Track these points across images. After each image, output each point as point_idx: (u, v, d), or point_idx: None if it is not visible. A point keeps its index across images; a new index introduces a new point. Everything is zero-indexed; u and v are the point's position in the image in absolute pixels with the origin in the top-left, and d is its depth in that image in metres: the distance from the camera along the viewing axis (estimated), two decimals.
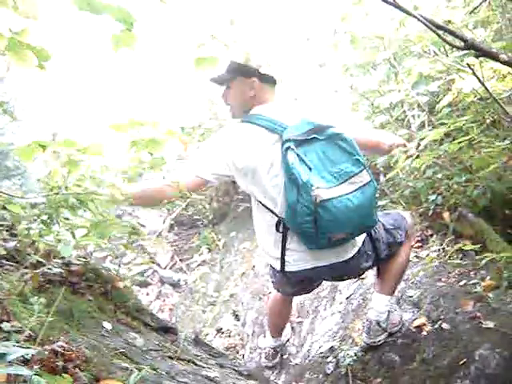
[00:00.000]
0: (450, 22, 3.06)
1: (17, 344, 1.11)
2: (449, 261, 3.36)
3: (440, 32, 1.65)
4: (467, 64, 2.44)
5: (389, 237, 2.70)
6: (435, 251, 3.57)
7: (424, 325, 2.85)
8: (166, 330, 2.39)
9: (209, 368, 2.10)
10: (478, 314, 2.69)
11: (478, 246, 3.26)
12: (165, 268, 5.50)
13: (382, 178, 4.36)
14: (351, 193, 2.23)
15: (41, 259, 2.00)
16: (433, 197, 3.70)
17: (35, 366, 1.06)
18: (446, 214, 3.67)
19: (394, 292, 2.94)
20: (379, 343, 2.90)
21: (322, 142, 2.27)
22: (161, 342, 2.21)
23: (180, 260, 5.57)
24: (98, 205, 2.27)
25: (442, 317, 2.83)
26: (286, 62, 5.23)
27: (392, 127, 4.12)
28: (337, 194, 2.19)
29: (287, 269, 2.51)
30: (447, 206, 3.67)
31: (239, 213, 5.42)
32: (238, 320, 3.98)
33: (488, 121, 3.38)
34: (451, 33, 1.65)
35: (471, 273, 3.12)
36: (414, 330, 2.87)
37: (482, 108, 3.33)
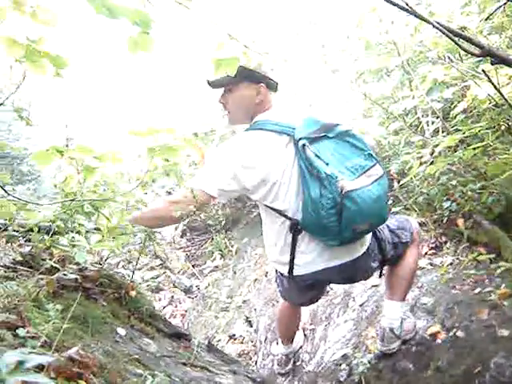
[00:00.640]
0: (465, 28, 3.05)
1: (33, 351, 1.11)
2: (463, 268, 3.33)
3: (456, 38, 1.64)
4: (482, 70, 2.43)
5: (394, 237, 2.72)
6: (449, 258, 3.55)
7: (438, 332, 2.83)
8: (180, 336, 2.39)
9: (222, 375, 2.10)
10: (493, 323, 2.67)
11: (493, 253, 3.25)
12: (177, 273, 5.51)
13: (395, 185, 4.34)
14: (371, 184, 2.24)
15: (55, 265, 2.00)
16: (447, 204, 3.68)
17: (52, 373, 1.06)
18: (460, 221, 3.65)
19: (405, 298, 2.92)
20: (393, 350, 2.89)
21: (332, 139, 2.29)
22: (174, 348, 2.21)
23: (192, 266, 5.58)
24: (112, 211, 2.28)
25: (456, 325, 2.80)
26: (299, 68, 5.23)
27: (406, 133, 4.11)
28: (359, 186, 2.20)
29: (296, 273, 2.50)
30: (461, 213, 3.65)
31: (252, 218, 5.42)
32: (251, 326, 3.97)
33: (503, 127, 3.36)
34: (468, 39, 1.64)
35: (486, 280, 3.09)
36: (428, 337, 2.84)
37: (496, 114, 3.31)
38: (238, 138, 2.48)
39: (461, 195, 3.60)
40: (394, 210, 4.22)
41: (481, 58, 2.75)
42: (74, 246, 2.08)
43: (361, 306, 3.46)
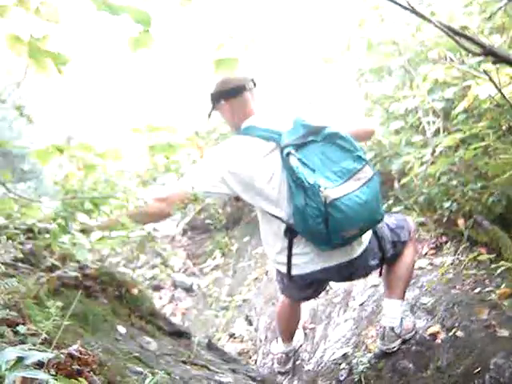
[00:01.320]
0: (466, 28, 3.05)
1: (33, 347, 1.12)
2: (463, 268, 3.33)
3: (457, 38, 1.65)
4: (484, 70, 2.43)
5: (393, 236, 2.72)
6: (450, 258, 3.55)
7: (438, 332, 2.83)
8: (180, 334, 2.40)
9: (222, 373, 2.10)
10: (493, 323, 2.67)
11: (493, 253, 3.25)
12: (178, 272, 5.51)
13: (396, 185, 4.34)
14: (358, 189, 2.23)
15: (56, 262, 2.01)
16: (447, 204, 3.68)
17: (51, 370, 1.06)
18: (460, 221, 3.64)
19: (404, 296, 2.93)
20: (394, 349, 2.89)
21: (320, 143, 2.29)
22: (174, 346, 2.22)
23: (193, 264, 5.58)
24: (112, 209, 2.29)
25: (456, 324, 2.80)
26: (301, 66, 5.24)
27: (407, 133, 4.10)
28: (345, 192, 2.20)
29: (294, 272, 2.51)
30: (462, 213, 3.64)
31: (252, 218, 5.42)
32: (251, 325, 3.98)
33: (504, 127, 3.36)
34: (469, 39, 1.65)
35: (486, 280, 3.09)
36: (428, 337, 2.84)
37: (498, 114, 3.31)
38: (226, 142, 2.53)
39: (461, 195, 3.59)
40: (394, 209, 4.22)
41: (482, 58, 2.75)
42: (74, 244, 2.09)
43: (361, 305, 3.46)
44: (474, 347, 2.57)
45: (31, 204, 2.15)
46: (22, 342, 1.33)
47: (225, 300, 4.56)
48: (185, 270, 5.56)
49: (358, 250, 2.51)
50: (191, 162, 2.46)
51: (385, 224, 2.66)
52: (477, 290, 3.04)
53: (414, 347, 2.84)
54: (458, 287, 3.15)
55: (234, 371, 2.28)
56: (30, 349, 1.06)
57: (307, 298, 3.02)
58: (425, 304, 3.11)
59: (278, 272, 2.73)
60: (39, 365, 1.06)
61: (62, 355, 1.16)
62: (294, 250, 2.46)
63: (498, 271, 3.01)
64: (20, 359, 0.89)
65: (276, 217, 2.42)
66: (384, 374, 2.82)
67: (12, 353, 0.90)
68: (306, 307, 3.67)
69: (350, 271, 2.62)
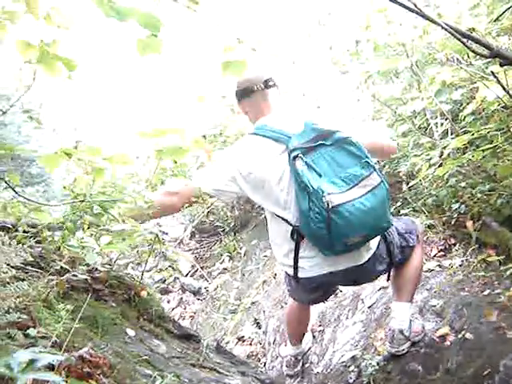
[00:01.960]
0: (473, 29, 3.05)
1: (44, 350, 1.12)
2: (472, 270, 3.32)
3: (464, 40, 1.64)
4: (491, 72, 2.42)
5: (402, 240, 2.72)
6: (458, 260, 3.54)
7: (447, 334, 2.83)
8: (189, 337, 2.40)
9: (231, 376, 2.11)
10: (502, 324, 2.66)
11: (502, 255, 3.24)
12: (186, 275, 5.52)
13: (404, 187, 4.33)
14: (363, 196, 2.23)
15: (65, 266, 2.02)
16: (456, 205, 3.67)
17: (62, 373, 1.07)
18: (469, 223, 3.63)
19: (412, 299, 2.93)
20: (403, 352, 2.88)
21: (329, 147, 2.29)
22: (183, 349, 2.22)
23: (201, 267, 5.58)
24: (122, 213, 2.29)
25: (465, 327, 2.80)
26: (309, 69, 5.24)
27: (415, 135, 4.10)
28: (349, 199, 2.20)
29: (301, 275, 2.52)
30: (470, 215, 3.64)
31: (261, 220, 5.42)
32: (260, 328, 3.98)
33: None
34: (476, 41, 1.64)
35: (495, 282, 3.09)
36: (437, 339, 2.84)
37: (506, 116, 3.30)
38: (239, 142, 2.59)
39: (470, 197, 3.59)
40: (402, 211, 4.21)
41: (489, 60, 2.75)
42: (83, 247, 2.10)
43: (370, 307, 3.46)
44: (483, 349, 2.57)
45: (40, 208, 2.16)
46: (33, 345, 1.34)
47: (233, 303, 4.56)
48: (193, 273, 5.58)
49: (365, 255, 2.51)
50: (199, 166, 2.48)
51: (394, 228, 2.65)
52: (486, 292, 3.03)
53: (423, 349, 2.84)
54: (467, 289, 3.14)
55: (243, 374, 2.28)
56: (41, 351, 1.07)
57: (315, 301, 3.02)
58: (434, 306, 3.11)
59: (286, 274, 2.74)
60: (50, 367, 1.07)
61: (72, 358, 1.17)
62: (301, 253, 2.46)
63: (507, 273, 3.01)
64: (32, 361, 0.89)
65: (284, 219, 2.43)
66: (393, 376, 2.81)
67: (24, 355, 0.91)
68: (315, 310, 3.67)
69: (356, 276, 2.63)
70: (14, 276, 1.71)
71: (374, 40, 3.84)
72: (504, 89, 2.47)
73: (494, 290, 3.01)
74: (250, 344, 3.86)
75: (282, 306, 3.92)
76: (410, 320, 2.89)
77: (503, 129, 3.30)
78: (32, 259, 2.04)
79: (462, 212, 3.68)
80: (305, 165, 2.23)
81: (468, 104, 3.24)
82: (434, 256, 3.79)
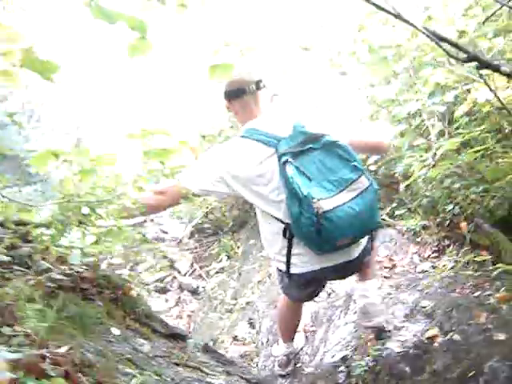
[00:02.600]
0: (463, 32, 3.05)
1: (11, 348, 1.15)
2: (464, 271, 3.33)
3: (445, 44, 1.65)
4: (479, 74, 2.44)
5: None
6: (451, 262, 3.55)
7: (436, 336, 2.84)
8: (176, 336, 2.42)
9: (214, 375, 2.13)
10: (490, 326, 2.67)
11: (494, 257, 3.24)
12: (184, 275, 5.55)
13: (401, 187, 4.34)
14: (352, 200, 2.27)
15: (50, 265, 2.04)
16: (450, 207, 3.68)
17: (21, 371, 1.09)
18: (463, 224, 3.64)
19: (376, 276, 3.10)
20: (381, 322, 3.00)
21: (318, 151, 2.32)
22: (169, 348, 2.24)
23: (199, 267, 5.61)
24: (110, 213, 2.32)
25: (454, 328, 2.81)
26: (306, 70, 5.25)
27: (410, 136, 4.10)
28: (338, 203, 2.24)
29: (294, 271, 2.57)
30: (464, 216, 3.64)
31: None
32: (254, 328, 3.99)
33: (507, 130, 3.35)
34: (454, 45, 1.65)
35: (486, 284, 3.10)
36: (426, 341, 2.85)
37: (499, 118, 3.30)
38: (227, 144, 2.60)
39: (464, 198, 3.59)
40: (398, 212, 4.23)
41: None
42: (70, 247, 2.13)
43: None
44: (470, 351, 2.58)
45: (28, 208, 2.19)
46: (8, 344, 1.36)
47: (229, 303, 4.58)
48: (191, 272, 5.60)
49: (356, 251, 2.57)
50: (186, 166, 2.50)
51: None
52: (476, 294, 3.04)
53: (411, 350, 2.85)
54: (457, 291, 3.16)
55: (228, 373, 2.29)
56: (9, 350, 1.09)
57: (308, 298, 3.05)
58: (424, 307, 3.12)
59: (279, 271, 2.76)
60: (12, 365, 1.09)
61: (33, 356, 1.19)
62: (293, 250, 2.51)
63: (497, 274, 3.01)
64: None
65: (275, 217, 2.46)
66: (381, 377, 2.83)
67: None
68: (307, 310, 3.69)
69: (347, 270, 2.72)
70: None
71: (368, 42, 3.84)
72: (491, 90, 2.48)
73: (484, 291, 3.03)
74: (244, 344, 3.88)
75: (275, 306, 3.93)
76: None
77: (496, 130, 3.31)
78: (18, 259, 2.07)
79: (456, 213, 3.68)
80: (294, 169, 2.25)
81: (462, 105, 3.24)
82: (428, 257, 3.80)
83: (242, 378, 2.34)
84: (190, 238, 6.26)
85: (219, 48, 2.35)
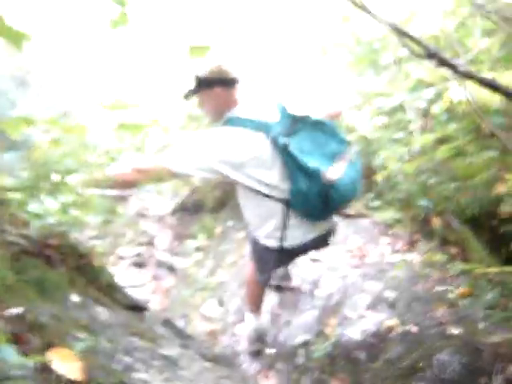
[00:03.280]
0: (443, 31, 3.08)
1: None
2: (430, 266, 3.39)
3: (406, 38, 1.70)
4: (454, 73, 2.47)
5: None
6: (420, 256, 3.61)
7: (394, 326, 2.90)
8: (137, 308, 2.46)
9: (169, 348, 2.17)
10: (446, 320, 2.73)
11: (461, 253, 3.30)
12: (163, 251, 5.58)
13: (379, 179, 4.38)
14: (348, 168, 2.44)
15: (15, 229, 2.07)
16: (423, 202, 3.73)
17: None
18: (434, 220, 3.70)
19: None
20: None
21: (308, 130, 2.46)
22: (128, 319, 2.28)
23: (178, 244, 5.65)
24: (78, 184, 2.35)
25: (411, 320, 2.87)
26: (294, 59, 5.26)
27: (390, 130, 4.14)
28: (340, 173, 2.40)
29: (287, 245, 2.66)
30: (436, 212, 3.70)
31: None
32: (222, 306, 4.05)
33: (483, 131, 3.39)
34: (415, 40, 1.70)
35: (448, 279, 3.16)
36: (384, 330, 2.91)
37: (478, 117, 3.34)
38: (216, 132, 2.54)
39: (437, 194, 3.65)
40: (373, 204, 4.28)
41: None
42: (36, 215, 2.16)
43: (327, 294, 3.52)
44: (422, 343, 2.63)
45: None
46: None
47: (203, 281, 4.63)
48: (170, 249, 5.64)
49: (335, 219, 2.79)
50: (155, 142, 2.52)
51: None
52: (438, 288, 3.10)
53: (369, 339, 2.91)
54: (421, 284, 3.21)
55: (184, 347, 2.34)
56: None
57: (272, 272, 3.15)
58: (387, 298, 3.18)
59: (264, 249, 2.78)
60: None
61: None
62: (288, 225, 2.60)
63: (460, 271, 3.07)
64: None
65: (270, 196, 2.51)
66: (338, 362, 2.89)
67: None
68: (274, 293, 3.74)
69: (328, 238, 2.83)
70: None
71: (355, 34, 3.86)
72: (465, 90, 2.52)
73: (446, 286, 3.08)
74: (212, 322, 3.93)
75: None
76: None
77: (472, 129, 3.35)
78: None
79: (429, 209, 3.74)
80: (296, 148, 2.35)
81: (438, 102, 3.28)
82: (398, 250, 3.85)
83: (198, 353, 2.39)
84: (172, 215, 6.29)
85: (200, 29, 2.37)
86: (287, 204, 2.51)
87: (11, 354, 1.26)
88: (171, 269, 5.30)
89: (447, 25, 3.20)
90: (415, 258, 3.62)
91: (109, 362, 1.79)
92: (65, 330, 1.79)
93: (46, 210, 2.18)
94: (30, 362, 1.32)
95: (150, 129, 2.25)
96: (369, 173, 4.59)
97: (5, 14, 1.65)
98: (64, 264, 2.29)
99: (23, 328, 1.53)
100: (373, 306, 3.17)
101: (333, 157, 2.45)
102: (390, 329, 2.90)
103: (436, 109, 3.24)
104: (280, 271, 3.71)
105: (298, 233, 2.62)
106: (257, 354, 3.38)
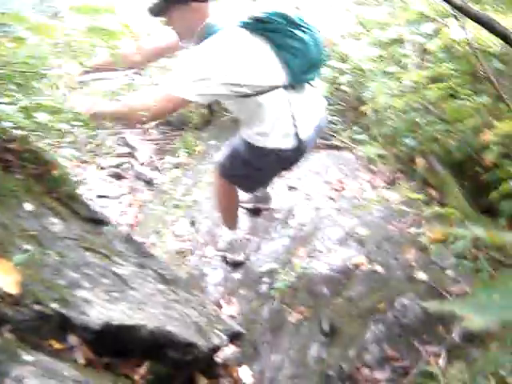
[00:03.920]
0: None
1: None
2: (406, 206, 3.33)
3: None
4: (456, 8, 2.32)
5: None
6: (398, 195, 3.54)
7: (362, 264, 2.87)
8: (97, 221, 2.37)
9: (122, 265, 2.10)
10: (413, 264, 2.69)
11: (440, 197, 3.24)
12: (141, 164, 5.47)
13: (367, 112, 4.25)
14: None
15: None
16: (409, 140, 3.63)
17: None
18: (418, 160, 3.62)
19: None
20: None
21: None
22: (84, 232, 2.19)
23: (158, 159, 5.53)
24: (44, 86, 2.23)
25: (379, 259, 2.83)
26: None
27: (384, 63, 3.99)
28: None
29: (302, 135, 2.61)
30: (421, 152, 3.61)
31: (223, 122, 5.36)
32: (194, 226, 3.99)
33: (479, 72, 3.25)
34: None
35: (423, 222, 3.10)
36: (350, 267, 2.88)
37: (475, 60, 3.19)
38: (219, 42, 2.33)
39: (424, 134, 3.54)
40: (358, 137, 4.17)
41: None
42: None
43: (300, 224, 3.46)
44: (387, 284, 2.62)
45: None
46: None
47: (179, 199, 4.56)
48: (149, 163, 5.52)
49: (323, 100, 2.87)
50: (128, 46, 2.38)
51: None
52: (411, 230, 3.05)
53: (334, 274, 2.88)
54: (394, 224, 3.16)
55: (141, 266, 2.27)
56: None
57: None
58: (358, 234, 3.13)
59: (275, 156, 2.69)
60: None
61: None
62: (295, 112, 2.56)
63: (436, 215, 3.01)
64: None
65: (276, 87, 2.45)
66: (300, 294, 2.86)
67: None
68: (246, 219, 3.68)
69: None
70: None
71: None
72: (463, 29, 2.38)
73: (420, 229, 3.03)
74: (183, 241, 3.88)
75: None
76: None
77: (467, 71, 3.21)
78: None
79: (413, 148, 3.64)
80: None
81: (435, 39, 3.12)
82: (378, 186, 3.78)
83: (156, 272, 2.33)
84: (154, 128, 6.13)
85: None
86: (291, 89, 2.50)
87: None
88: (149, 183, 5.21)
89: None
90: (393, 196, 3.55)
91: (53, 277, 1.72)
92: (10, 240, 1.72)
93: (3, 111, 2.06)
94: None
95: (122, 35, 2.09)
96: (357, 104, 4.45)
97: None
98: (23, 170, 2.19)
99: None
100: (343, 241, 3.12)
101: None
102: (357, 266, 2.86)
103: (432, 46, 3.08)
104: (260, 191, 3.64)
105: (307, 118, 2.61)
106: (238, 266, 3.33)
